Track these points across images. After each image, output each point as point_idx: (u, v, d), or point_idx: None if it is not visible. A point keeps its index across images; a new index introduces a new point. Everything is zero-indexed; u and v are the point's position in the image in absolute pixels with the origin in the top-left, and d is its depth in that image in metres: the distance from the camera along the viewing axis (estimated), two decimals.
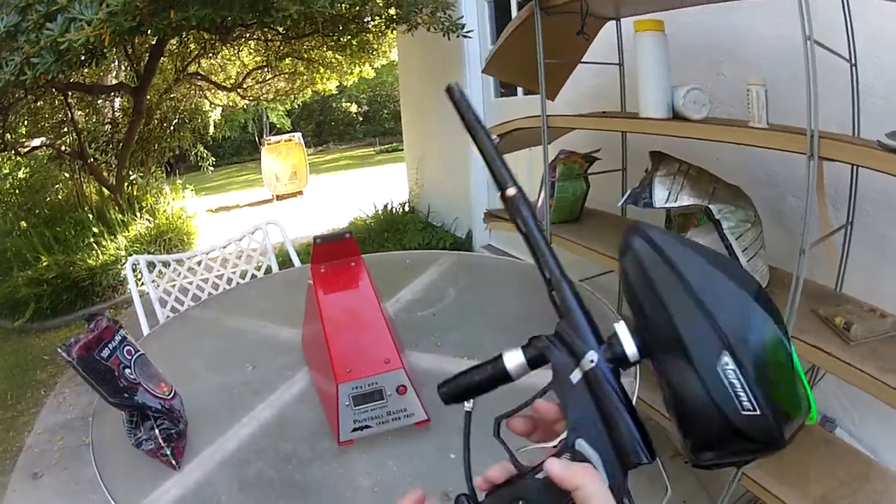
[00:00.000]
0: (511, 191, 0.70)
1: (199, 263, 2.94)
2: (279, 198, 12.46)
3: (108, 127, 8.56)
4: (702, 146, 2.29)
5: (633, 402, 0.61)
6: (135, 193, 7.85)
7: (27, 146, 7.18)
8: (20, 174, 8.08)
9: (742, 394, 0.52)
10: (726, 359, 0.53)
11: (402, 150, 8.35)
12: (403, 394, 1.32)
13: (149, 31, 4.07)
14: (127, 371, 1.29)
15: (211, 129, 12.73)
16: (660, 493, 2.02)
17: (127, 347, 1.33)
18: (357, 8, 4.41)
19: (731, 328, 0.54)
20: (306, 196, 12.67)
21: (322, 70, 9.29)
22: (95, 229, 6.71)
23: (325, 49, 8.14)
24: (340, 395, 1.28)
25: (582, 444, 0.61)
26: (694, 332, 0.55)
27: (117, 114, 8.68)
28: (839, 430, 2.49)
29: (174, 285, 2.81)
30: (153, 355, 1.41)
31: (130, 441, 1.32)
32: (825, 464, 2.04)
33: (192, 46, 8.01)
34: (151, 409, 1.31)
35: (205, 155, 12.56)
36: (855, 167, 2.19)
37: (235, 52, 9.23)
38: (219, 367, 1.76)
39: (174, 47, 7.83)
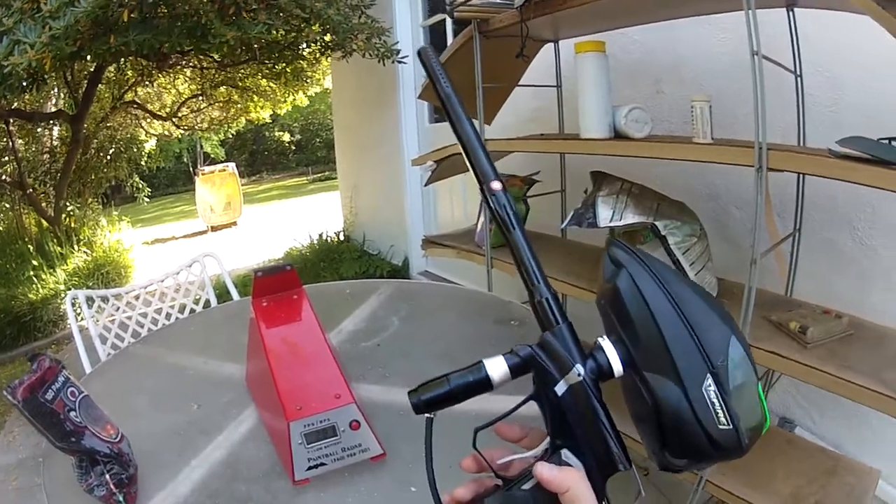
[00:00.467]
0: (496, 185, 0.70)
1: (137, 298, 2.86)
2: (214, 229, 12.25)
3: (46, 156, 8.38)
4: (641, 164, 2.32)
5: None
6: (72, 225, 7.70)
7: None
8: None
9: (720, 411, 0.58)
10: (710, 381, 0.58)
11: (336, 178, 8.28)
12: (357, 429, 1.28)
13: (88, 57, 4.01)
14: (72, 414, 1.23)
15: (145, 160, 12.53)
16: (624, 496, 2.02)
17: (70, 389, 1.27)
18: (293, 34, 4.40)
19: (715, 354, 0.60)
20: (241, 227, 12.50)
21: (256, 98, 9.29)
22: (35, 262, 6.59)
23: (259, 77, 8.14)
24: (292, 433, 1.23)
25: (568, 455, 0.64)
26: (685, 356, 0.60)
27: (55, 143, 8.52)
28: (799, 430, 2.55)
29: (114, 320, 2.73)
30: (96, 395, 1.35)
31: (81, 487, 1.26)
32: (791, 463, 2.09)
33: (130, 74, 7.93)
34: (100, 453, 1.25)
35: (140, 186, 12.36)
36: (801, 176, 2.24)
37: (171, 80, 9.13)
38: (163, 406, 1.68)
39: (112, 75, 7.74)
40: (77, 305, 2.64)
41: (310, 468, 1.25)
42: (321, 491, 1.25)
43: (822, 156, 1.71)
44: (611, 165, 2.44)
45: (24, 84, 3.97)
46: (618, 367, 0.63)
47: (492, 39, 2.64)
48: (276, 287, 1.61)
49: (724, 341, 0.61)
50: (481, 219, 3.03)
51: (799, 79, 2.18)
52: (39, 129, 8.18)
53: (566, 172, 3.21)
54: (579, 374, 0.62)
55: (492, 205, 0.70)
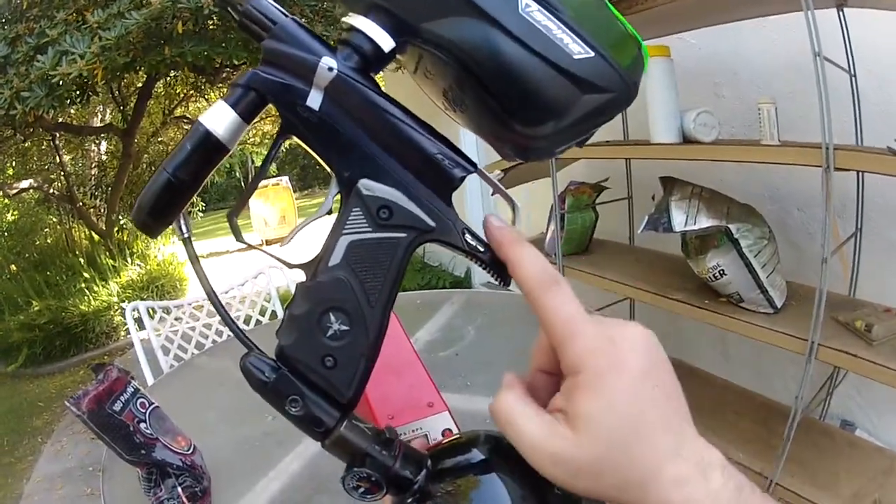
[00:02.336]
0: None
1: (199, 308, 2.87)
2: (268, 242, 12.12)
3: (95, 170, 8.50)
4: (705, 168, 2.30)
5: None
6: (125, 239, 7.76)
7: (15, 188, 7.11)
8: (9, 217, 8.03)
9: (564, 36, 0.43)
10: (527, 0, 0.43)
11: None
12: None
13: (142, 68, 4.01)
14: (142, 425, 1.20)
15: None
16: None
17: (140, 400, 1.23)
18: None
19: None
20: (296, 239, 12.49)
21: None
22: (86, 274, 6.61)
23: None
24: None
25: (369, 185, 0.49)
26: None
27: (104, 157, 8.63)
28: (859, 431, 2.55)
29: (176, 332, 2.73)
30: (161, 407, 1.32)
31: (150, 500, 1.21)
32: (852, 463, 2.18)
33: (179, 88, 7.97)
34: (172, 465, 1.21)
35: (194, 200, 12.50)
36: (861, 177, 2.26)
37: (223, 94, 9.18)
38: (234, 418, 1.65)
39: (161, 89, 7.77)
40: (137, 317, 2.65)
41: None
42: None
43: (884, 154, 1.74)
44: (676, 170, 2.40)
45: (75, 95, 4.00)
46: (384, 38, 0.46)
47: None
48: None
49: None
50: (551, 227, 2.98)
51: (854, 78, 2.19)
52: (87, 144, 8.28)
53: (632, 178, 3.19)
54: (330, 68, 0.46)
55: None
